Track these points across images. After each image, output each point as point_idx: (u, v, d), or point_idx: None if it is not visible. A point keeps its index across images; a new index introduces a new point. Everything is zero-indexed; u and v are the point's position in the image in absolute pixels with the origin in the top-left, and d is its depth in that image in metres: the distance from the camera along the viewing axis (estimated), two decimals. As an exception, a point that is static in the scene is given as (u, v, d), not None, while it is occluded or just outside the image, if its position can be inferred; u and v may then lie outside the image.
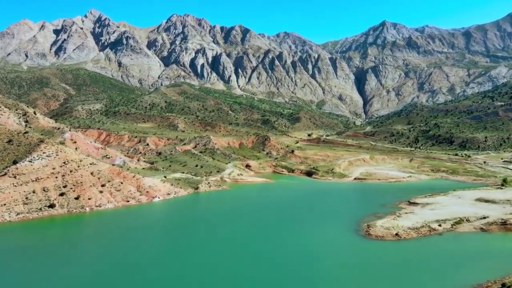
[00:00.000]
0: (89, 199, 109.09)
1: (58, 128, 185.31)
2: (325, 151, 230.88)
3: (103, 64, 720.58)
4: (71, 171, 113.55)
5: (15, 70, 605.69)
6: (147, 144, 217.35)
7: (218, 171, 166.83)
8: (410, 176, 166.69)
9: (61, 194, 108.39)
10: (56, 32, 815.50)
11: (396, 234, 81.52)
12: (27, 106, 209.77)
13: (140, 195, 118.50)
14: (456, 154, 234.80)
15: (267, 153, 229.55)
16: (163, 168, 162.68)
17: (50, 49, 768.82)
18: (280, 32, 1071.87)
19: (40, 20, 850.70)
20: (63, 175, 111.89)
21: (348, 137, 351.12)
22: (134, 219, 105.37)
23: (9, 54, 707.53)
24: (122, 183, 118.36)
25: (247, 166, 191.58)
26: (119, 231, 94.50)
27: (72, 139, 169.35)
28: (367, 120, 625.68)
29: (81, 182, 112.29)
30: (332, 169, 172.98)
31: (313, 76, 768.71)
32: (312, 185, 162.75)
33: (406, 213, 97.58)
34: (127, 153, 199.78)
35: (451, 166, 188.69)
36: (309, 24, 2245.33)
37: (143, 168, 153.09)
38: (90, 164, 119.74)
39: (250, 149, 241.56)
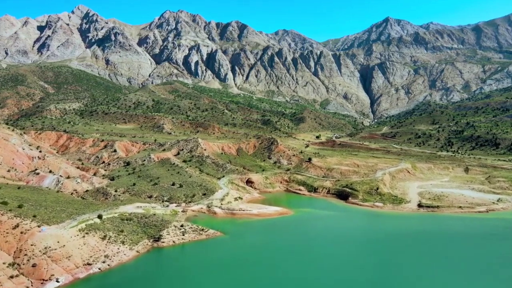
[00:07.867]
0: None
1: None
2: (350, 158, 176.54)
3: (89, 61, 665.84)
4: None
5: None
6: (115, 151, 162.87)
7: (205, 194, 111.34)
8: (500, 199, 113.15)
9: None
10: (40, 28, 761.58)
11: None
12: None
13: (13, 276, 50.03)
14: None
15: (275, 162, 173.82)
16: (117, 191, 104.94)
17: (33, 46, 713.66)
18: (278, 29, 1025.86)
19: (23, 16, 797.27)
20: None
21: (364, 139, 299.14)
22: None
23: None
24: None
25: (249, 182, 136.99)
26: None
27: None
28: (375, 120, 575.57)
29: None
30: (377, 189, 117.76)
31: (315, 73, 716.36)
32: (359, 222, 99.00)
33: None
34: (83, 163, 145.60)
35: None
36: (308, 22, 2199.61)
37: (87, 191, 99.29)
38: None
39: (251, 156, 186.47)
